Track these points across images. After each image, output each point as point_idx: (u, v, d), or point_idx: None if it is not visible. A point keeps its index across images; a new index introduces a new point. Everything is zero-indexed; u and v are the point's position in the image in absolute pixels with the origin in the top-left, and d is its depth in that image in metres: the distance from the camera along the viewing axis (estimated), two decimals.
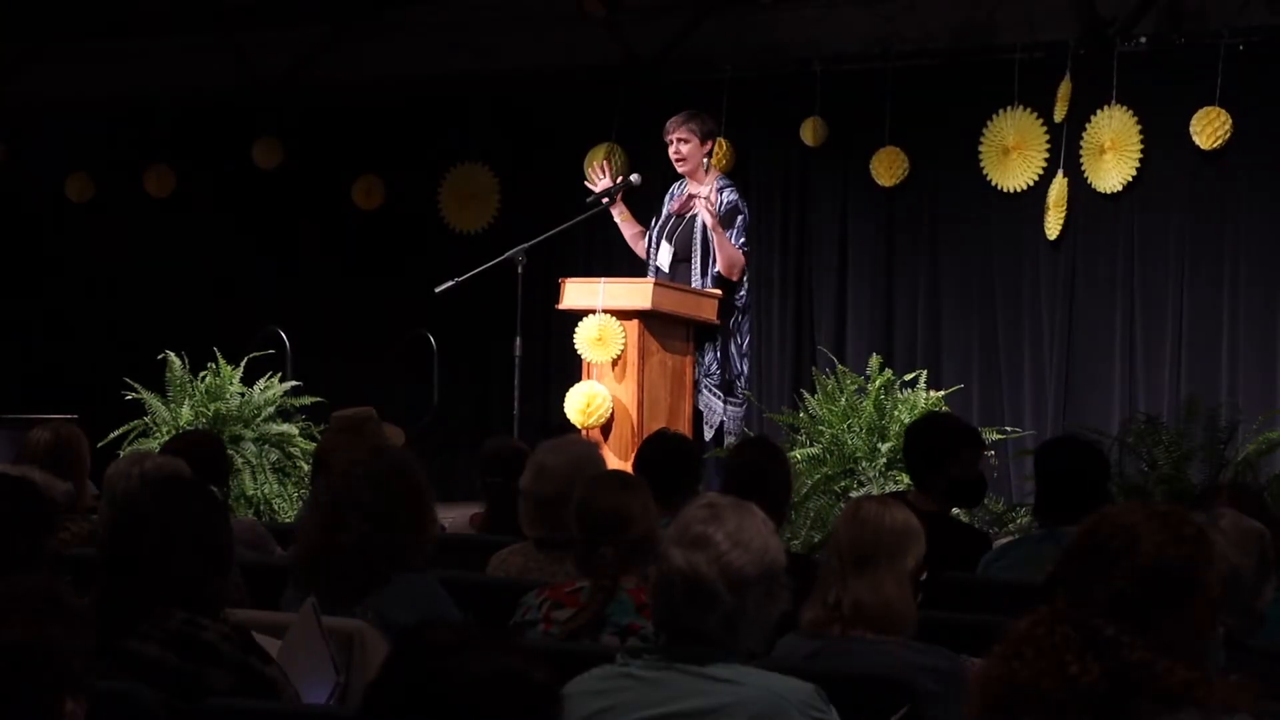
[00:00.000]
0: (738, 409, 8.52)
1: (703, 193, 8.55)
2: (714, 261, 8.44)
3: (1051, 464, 5.38)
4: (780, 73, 10.70)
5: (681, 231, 8.54)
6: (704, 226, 8.46)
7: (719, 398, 8.42)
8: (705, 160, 8.64)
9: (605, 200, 8.79)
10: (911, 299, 10.44)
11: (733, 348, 8.50)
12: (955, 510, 6.41)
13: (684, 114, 8.63)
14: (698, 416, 8.41)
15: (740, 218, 8.52)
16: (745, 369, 8.66)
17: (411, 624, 2.51)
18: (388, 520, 4.17)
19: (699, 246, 8.48)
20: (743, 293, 8.57)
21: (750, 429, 8.88)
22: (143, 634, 3.52)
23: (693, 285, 8.46)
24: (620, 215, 8.82)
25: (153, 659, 3.49)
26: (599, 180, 8.84)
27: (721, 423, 8.43)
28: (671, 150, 8.57)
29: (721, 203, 8.43)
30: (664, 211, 8.69)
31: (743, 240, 8.56)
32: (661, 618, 3.30)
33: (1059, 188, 9.78)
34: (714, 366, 8.43)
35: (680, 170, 8.61)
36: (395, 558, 4.18)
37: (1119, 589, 2.63)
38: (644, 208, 9.05)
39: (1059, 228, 9.79)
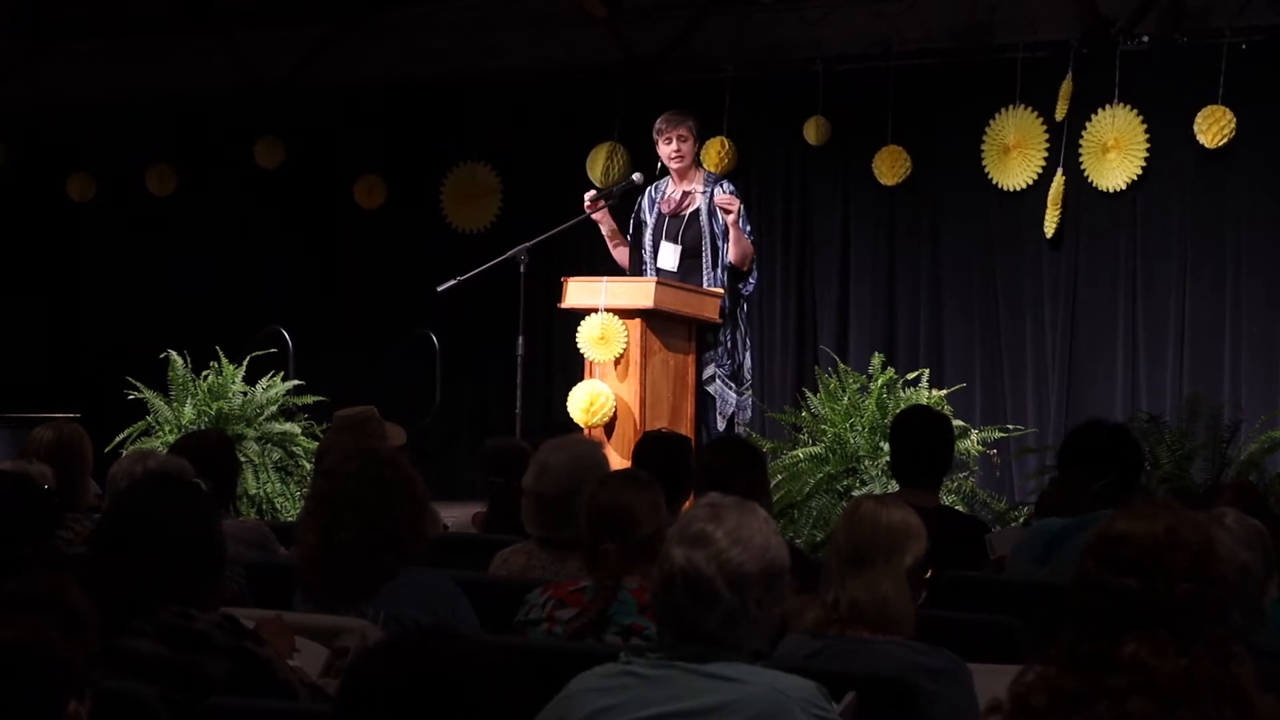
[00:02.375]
0: (745, 397, 8.51)
1: (698, 190, 8.55)
2: (725, 254, 8.44)
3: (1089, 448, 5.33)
4: (781, 72, 10.70)
5: (688, 229, 8.54)
6: (710, 221, 8.46)
7: (730, 387, 8.42)
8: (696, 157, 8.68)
9: (610, 201, 8.78)
10: (913, 298, 10.44)
11: (739, 337, 8.50)
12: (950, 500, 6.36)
13: (675, 113, 8.60)
14: (700, 416, 8.40)
15: (743, 207, 8.55)
16: (749, 359, 8.67)
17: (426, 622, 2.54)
18: (381, 517, 4.17)
19: (708, 241, 8.48)
20: (752, 281, 8.58)
21: (753, 427, 8.89)
22: (136, 631, 3.51)
23: (704, 279, 8.45)
24: (600, 215, 8.71)
25: (148, 655, 3.49)
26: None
27: (733, 413, 8.43)
28: (671, 149, 8.54)
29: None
30: (649, 215, 8.64)
31: (749, 229, 8.59)
32: (664, 616, 3.30)
33: (1057, 185, 9.80)
34: (725, 357, 8.43)
35: (675, 168, 8.59)
36: (394, 554, 4.18)
37: (1133, 597, 2.61)
38: (616, 216, 8.95)
39: (1054, 225, 9.81)
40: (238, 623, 3.62)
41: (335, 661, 3.83)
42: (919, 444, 5.65)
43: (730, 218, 8.33)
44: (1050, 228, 9.80)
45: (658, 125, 8.61)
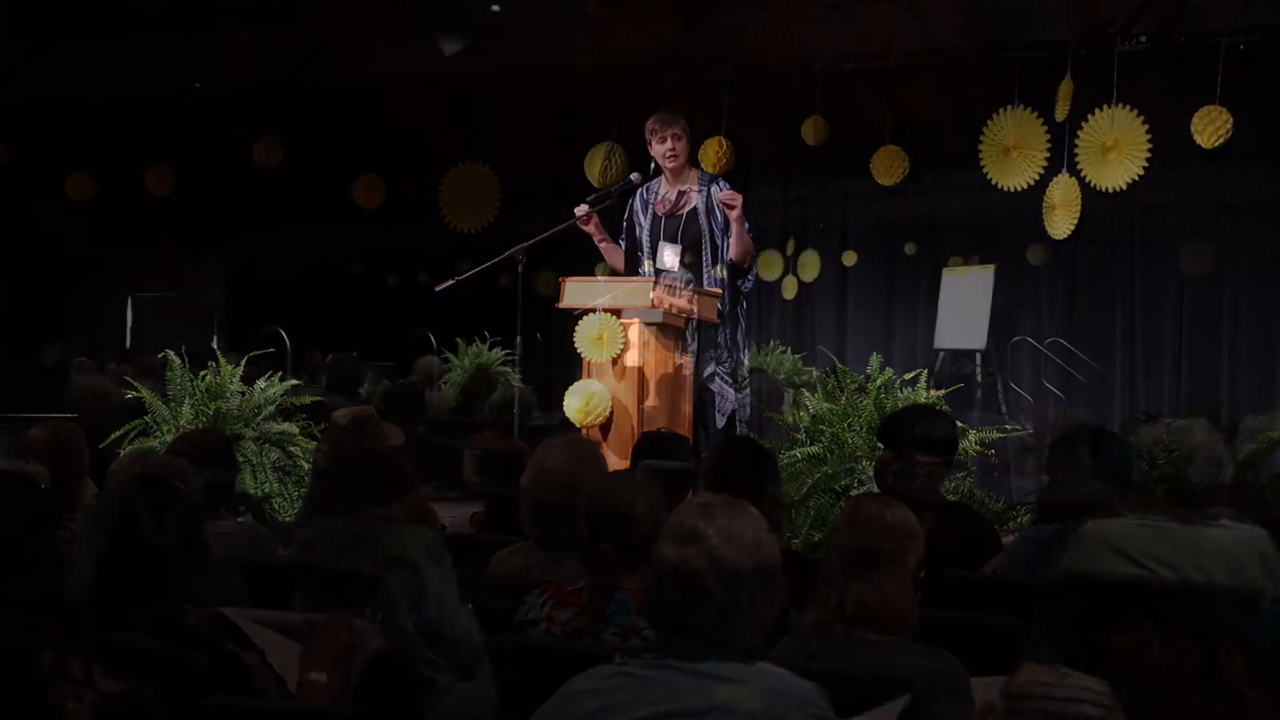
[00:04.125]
0: (744, 395, 8.52)
1: (693, 189, 8.56)
2: (725, 252, 8.45)
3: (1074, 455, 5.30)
4: (781, 72, 10.71)
5: (686, 229, 8.55)
6: (709, 220, 8.47)
7: (730, 384, 8.43)
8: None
9: (608, 201, 8.77)
10: (912, 298, 10.45)
11: (739, 334, 8.51)
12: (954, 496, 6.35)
13: (666, 113, 8.61)
14: (698, 416, 8.40)
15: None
16: (747, 358, 8.68)
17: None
18: (380, 518, 4.17)
19: (707, 240, 8.49)
20: (751, 278, 8.59)
21: (751, 427, 8.89)
22: (130, 625, 3.52)
23: (704, 278, 8.46)
24: (591, 228, 8.68)
25: (140, 649, 3.50)
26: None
27: (733, 410, 8.43)
28: (665, 147, 8.55)
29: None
30: (643, 217, 8.63)
31: (749, 226, 8.61)
32: (657, 614, 3.30)
33: (1066, 187, 9.78)
34: (725, 355, 8.44)
35: (670, 167, 8.60)
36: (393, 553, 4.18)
37: (1120, 590, 2.62)
38: (606, 217, 8.95)
39: (1070, 226, 9.79)
40: (226, 621, 3.62)
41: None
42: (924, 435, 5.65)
43: (734, 213, 8.35)
44: (1064, 230, 9.77)
45: (650, 125, 8.62)
